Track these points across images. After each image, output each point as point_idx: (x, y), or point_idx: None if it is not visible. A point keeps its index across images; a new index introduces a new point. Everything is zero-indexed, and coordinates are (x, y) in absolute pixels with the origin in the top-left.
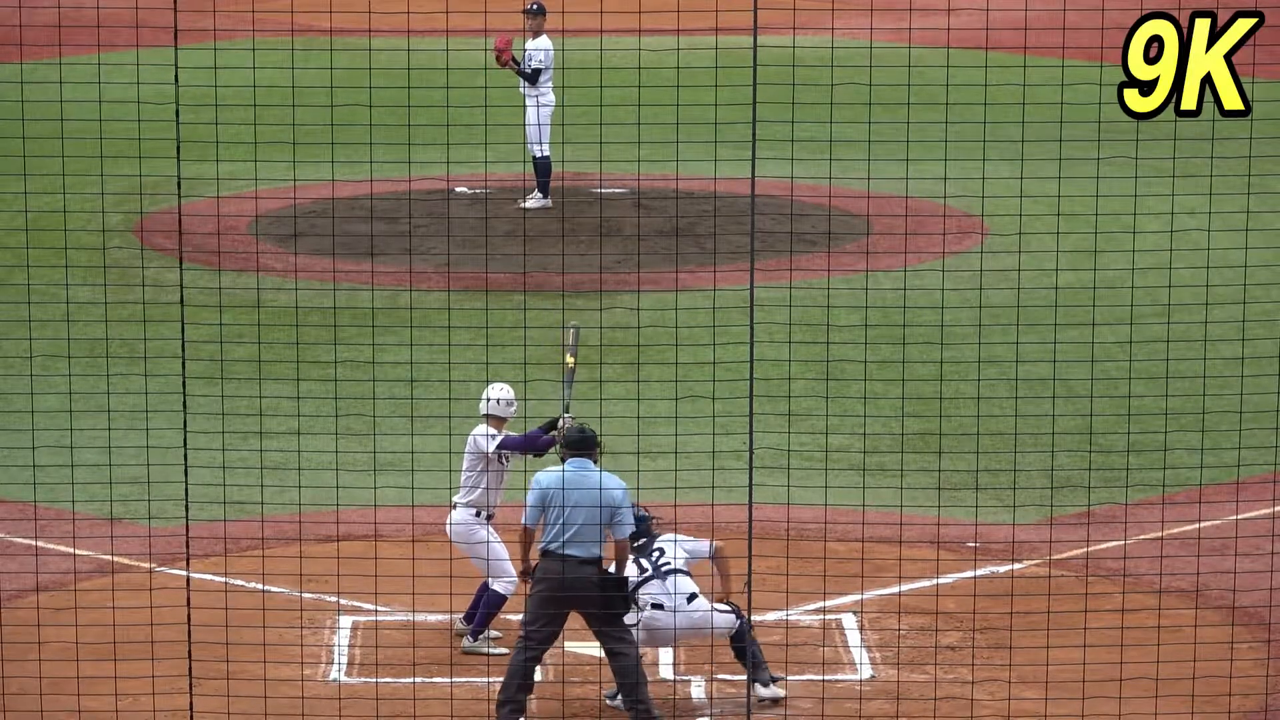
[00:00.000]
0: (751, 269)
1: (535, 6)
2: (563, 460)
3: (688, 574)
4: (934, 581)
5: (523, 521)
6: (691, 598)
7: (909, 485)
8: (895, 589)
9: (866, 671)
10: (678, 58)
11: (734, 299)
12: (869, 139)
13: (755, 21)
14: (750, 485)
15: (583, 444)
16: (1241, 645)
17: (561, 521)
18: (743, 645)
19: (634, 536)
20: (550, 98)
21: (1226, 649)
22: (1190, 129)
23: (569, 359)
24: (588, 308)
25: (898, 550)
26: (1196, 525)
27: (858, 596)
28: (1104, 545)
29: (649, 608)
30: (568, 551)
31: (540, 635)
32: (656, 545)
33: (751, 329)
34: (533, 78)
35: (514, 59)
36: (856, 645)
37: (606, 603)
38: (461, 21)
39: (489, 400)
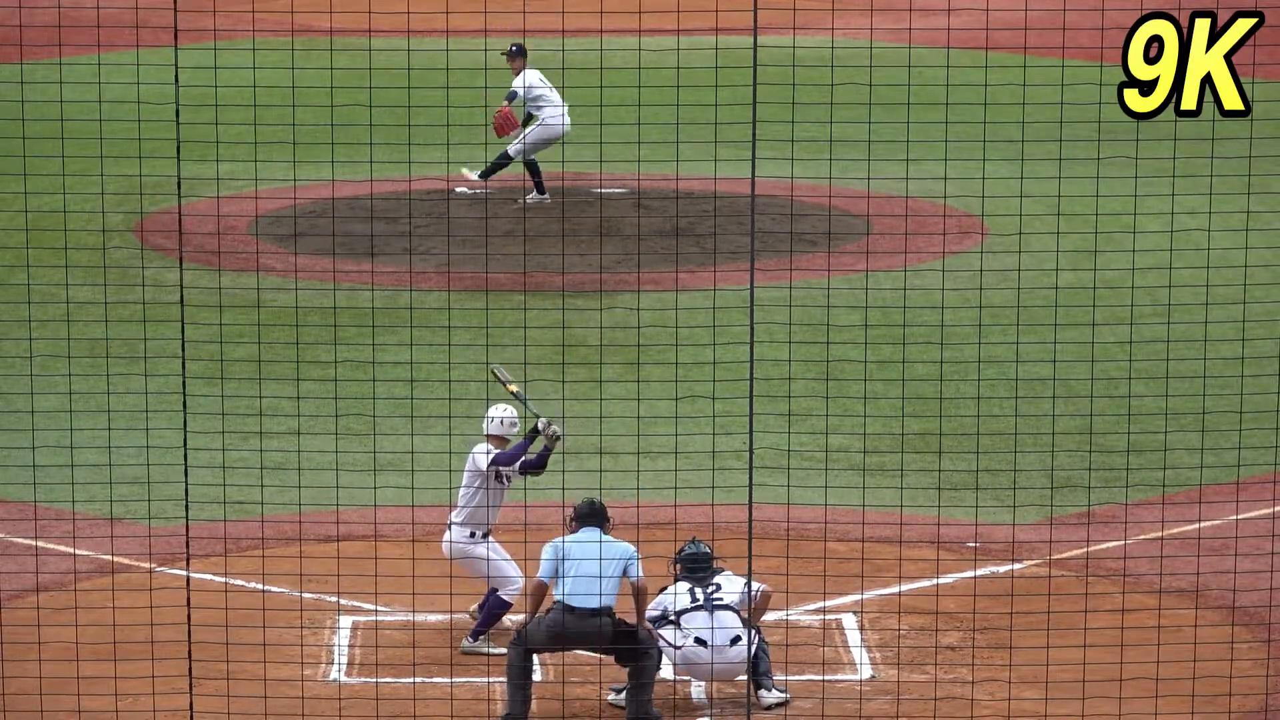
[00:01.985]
0: (751, 269)
1: (514, 48)
2: (573, 530)
3: (736, 611)
4: (934, 581)
5: (538, 576)
6: (734, 640)
7: (909, 485)
8: (895, 589)
9: (866, 671)
10: (678, 58)
11: (734, 299)
12: (869, 139)
13: (755, 21)
14: (750, 485)
15: (592, 516)
16: (1241, 645)
17: (572, 575)
18: (755, 661)
19: (695, 570)
20: (550, 128)
21: (1226, 649)
22: (1190, 129)
23: (510, 388)
24: (588, 307)
25: (898, 550)
26: (1196, 525)
27: (858, 596)
28: (1104, 545)
29: (693, 640)
30: (577, 604)
31: (537, 638)
32: (715, 580)
33: (751, 329)
34: (526, 120)
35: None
36: (856, 645)
37: (616, 654)
38: (461, 21)
39: (490, 420)
